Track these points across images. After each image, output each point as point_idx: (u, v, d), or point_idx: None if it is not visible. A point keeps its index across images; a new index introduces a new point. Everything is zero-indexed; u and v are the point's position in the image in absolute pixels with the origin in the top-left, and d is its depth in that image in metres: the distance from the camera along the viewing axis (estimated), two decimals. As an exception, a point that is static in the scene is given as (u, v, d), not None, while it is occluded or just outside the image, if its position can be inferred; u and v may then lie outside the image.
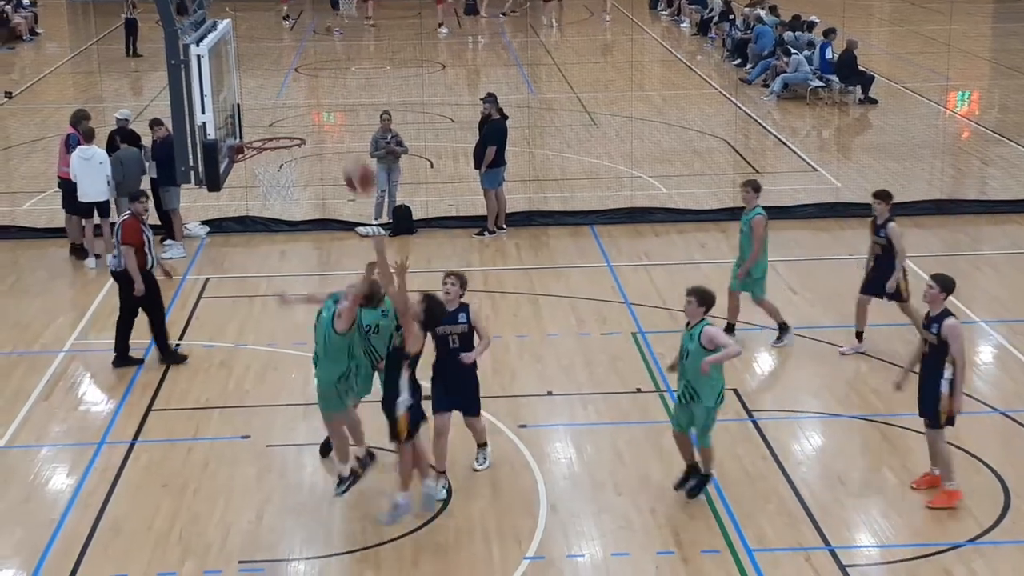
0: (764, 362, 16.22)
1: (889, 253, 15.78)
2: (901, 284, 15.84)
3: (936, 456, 12.52)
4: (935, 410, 12.26)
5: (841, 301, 17.75)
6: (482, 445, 13.27)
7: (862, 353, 15.98)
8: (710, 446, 12.48)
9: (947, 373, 12.14)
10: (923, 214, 21.72)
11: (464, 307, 12.68)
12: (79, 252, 19.99)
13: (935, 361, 12.24)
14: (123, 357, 16.07)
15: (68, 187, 19.75)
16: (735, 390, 15.03)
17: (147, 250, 15.91)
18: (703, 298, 12.34)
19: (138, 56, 37.32)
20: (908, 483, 12.82)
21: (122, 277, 15.93)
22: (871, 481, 13.07)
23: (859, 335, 16.13)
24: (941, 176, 24.19)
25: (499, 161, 20.79)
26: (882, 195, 15.90)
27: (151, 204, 20.08)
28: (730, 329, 16.31)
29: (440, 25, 42.23)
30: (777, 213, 21.77)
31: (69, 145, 19.82)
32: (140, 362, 16.06)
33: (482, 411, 13.09)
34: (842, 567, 11.50)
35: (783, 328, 16.41)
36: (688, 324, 12.44)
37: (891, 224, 15.76)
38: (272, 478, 13.19)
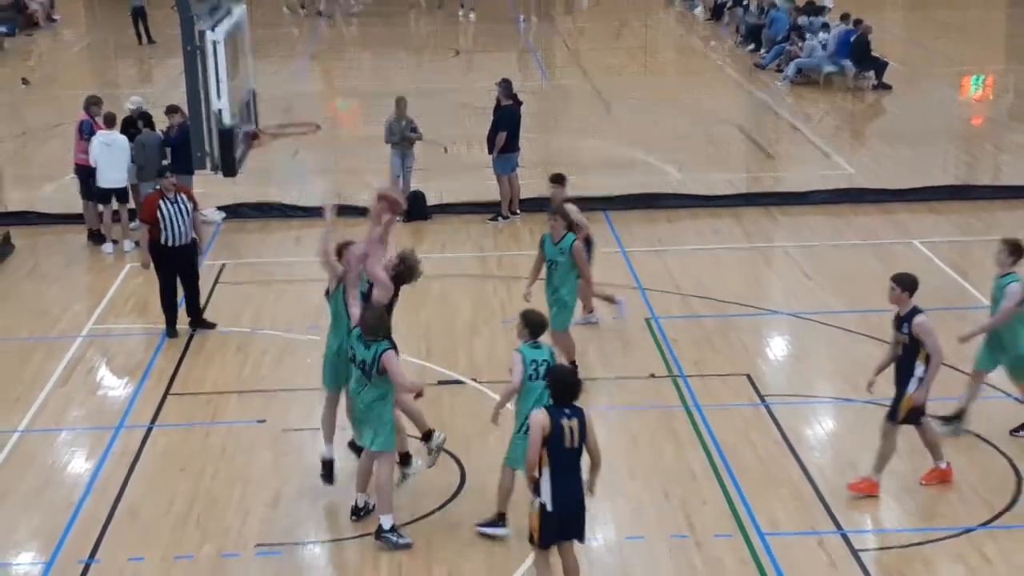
0: (777, 347, 16.27)
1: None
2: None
3: (931, 445, 12.54)
4: (897, 405, 12.28)
5: (854, 286, 17.80)
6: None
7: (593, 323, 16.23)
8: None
9: (918, 371, 12.13)
10: (937, 199, 21.74)
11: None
12: (97, 238, 20.10)
13: (909, 360, 12.21)
14: (198, 321, 16.68)
15: (84, 173, 19.85)
16: (748, 375, 15.10)
17: (162, 227, 16.13)
18: None
19: (152, 43, 37.34)
20: (920, 468, 12.82)
21: (154, 249, 16.38)
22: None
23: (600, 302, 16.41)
24: (955, 162, 24.18)
25: (511, 147, 20.85)
26: (557, 179, 16.43)
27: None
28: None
29: (463, 8, 42.50)
30: (791, 199, 21.89)
31: (82, 131, 19.92)
32: (213, 325, 16.68)
33: (497, 397, 13.01)
34: (854, 551, 11.55)
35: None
36: None
37: (570, 205, 15.91)
38: (289, 462, 13.28)
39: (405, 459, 12.64)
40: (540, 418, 10.09)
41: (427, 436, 12.52)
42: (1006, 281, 13.20)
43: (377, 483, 11.78)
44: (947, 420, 13.49)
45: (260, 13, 41.14)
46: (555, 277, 14.69)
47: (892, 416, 12.36)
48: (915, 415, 12.31)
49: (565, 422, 10.07)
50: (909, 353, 12.20)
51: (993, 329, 13.29)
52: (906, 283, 12.27)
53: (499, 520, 11.84)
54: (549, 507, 10.15)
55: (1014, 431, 13.53)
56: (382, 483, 11.73)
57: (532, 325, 11.68)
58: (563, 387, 10.22)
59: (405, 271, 12.37)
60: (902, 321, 12.22)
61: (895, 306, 12.29)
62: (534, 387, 11.55)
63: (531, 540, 10.42)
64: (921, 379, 12.13)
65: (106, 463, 13.33)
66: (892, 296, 12.31)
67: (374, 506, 11.99)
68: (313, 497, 12.55)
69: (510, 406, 11.62)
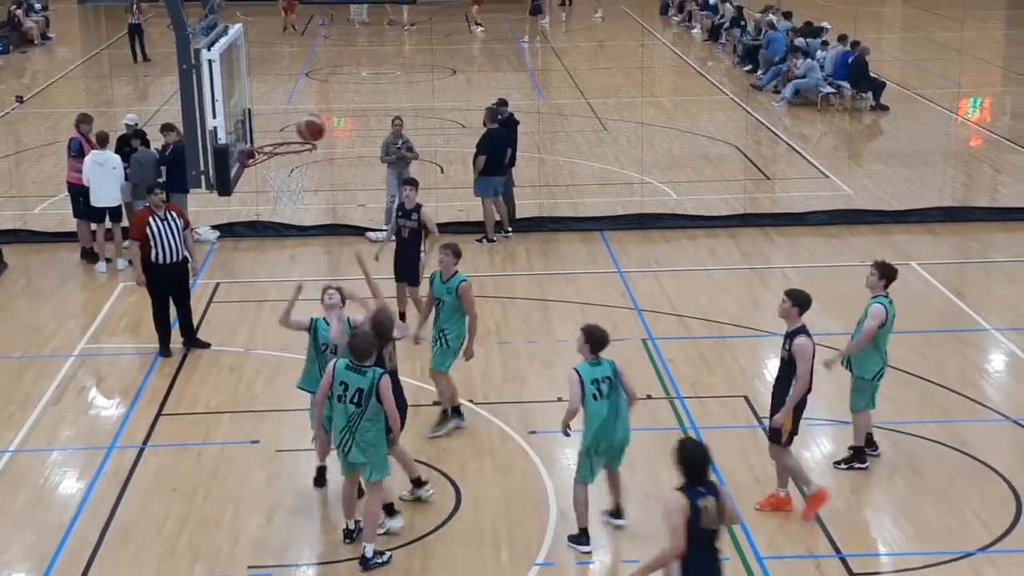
0: (774, 369, 16.13)
1: (416, 236, 16.58)
2: (421, 268, 16.53)
3: (781, 469, 12.43)
4: (778, 427, 12.18)
5: (851, 308, 17.65)
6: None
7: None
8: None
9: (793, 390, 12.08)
10: (934, 221, 21.71)
11: None
12: (90, 256, 20.01)
13: (786, 376, 12.13)
14: (191, 341, 16.63)
15: (76, 192, 19.78)
16: (745, 397, 15.01)
17: (151, 244, 16.06)
18: None
19: (148, 61, 37.31)
20: (919, 491, 12.78)
21: (144, 267, 16.28)
22: (882, 489, 13.02)
23: (402, 315, 16.60)
24: (952, 183, 24.15)
25: (494, 170, 20.66)
26: (411, 182, 16.88)
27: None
28: (456, 412, 14.22)
29: (476, 24, 42.92)
30: (788, 220, 21.84)
31: (71, 149, 19.89)
32: (207, 345, 16.61)
33: (492, 417, 13.00)
34: (852, 575, 11.45)
35: (456, 412, 14.23)
36: None
37: (424, 209, 16.56)
38: (281, 483, 13.18)
39: (418, 483, 12.65)
40: (680, 503, 9.09)
41: (417, 482, 12.57)
42: (872, 303, 13.03)
43: (367, 512, 11.66)
44: (848, 461, 13.36)
45: (256, 31, 41.15)
46: (440, 316, 13.94)
47: (774, 439, 12.28)
48: (791, 437, 12.20)
49: (701, 502, 9.11)
50: (788, 371, 12.12)
51: (858, 351, 12.98)
52: (797, 299, 12.15)
53: (582, 537, 11.83)
54: None
55: (838, 463, 13.38)
56: (371, 512, 11.61)
57: (593, 340, 11.44)
58: (694, 465, 9.20)
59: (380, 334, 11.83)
60: (786, 337, 12.13)
61: (784, 320, 12.22)
62: (599, 408, 11.37)
63: None
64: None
65: (98, 483, 13.23)
66: (782, 309, 12.21)
67: None
68: (306, 518, 12.47)
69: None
